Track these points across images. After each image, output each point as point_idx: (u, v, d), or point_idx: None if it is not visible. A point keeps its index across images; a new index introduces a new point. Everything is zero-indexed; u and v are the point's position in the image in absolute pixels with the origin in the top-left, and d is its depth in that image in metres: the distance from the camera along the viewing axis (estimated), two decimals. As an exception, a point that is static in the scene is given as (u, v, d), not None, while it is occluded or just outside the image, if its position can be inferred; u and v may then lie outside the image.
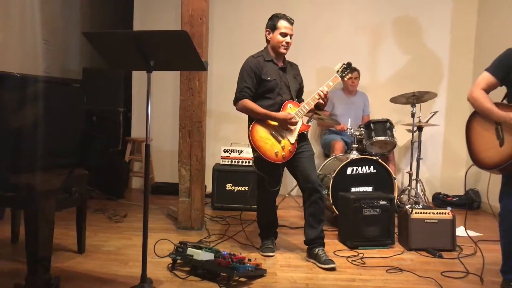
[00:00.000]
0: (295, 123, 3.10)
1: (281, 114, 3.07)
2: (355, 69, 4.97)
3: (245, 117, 3.21)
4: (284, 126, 3.08)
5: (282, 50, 3.18)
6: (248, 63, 3.17)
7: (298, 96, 3.32)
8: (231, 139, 5.01)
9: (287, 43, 3.16)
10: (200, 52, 2.47)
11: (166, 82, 5.26)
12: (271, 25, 3.17)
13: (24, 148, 2.05)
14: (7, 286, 2.32)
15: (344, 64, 3.25)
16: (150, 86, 2.36)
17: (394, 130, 4.41)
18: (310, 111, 3.18)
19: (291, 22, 3.16)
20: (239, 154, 4.66)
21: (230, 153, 4.67)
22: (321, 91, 3.12)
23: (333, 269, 2.91)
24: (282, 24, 3.13)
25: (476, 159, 2.63)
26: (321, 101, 3.14)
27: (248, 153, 4.62)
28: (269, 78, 3.14)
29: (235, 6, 5.48)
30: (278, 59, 3.23)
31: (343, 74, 3.26)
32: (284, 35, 3.13)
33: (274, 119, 3.08)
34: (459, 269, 2.98)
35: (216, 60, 5.20)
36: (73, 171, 2.38)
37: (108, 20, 6.79)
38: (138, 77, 5.55)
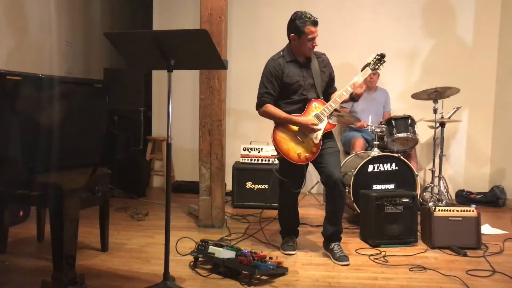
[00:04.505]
0: (317, 130, 3.03)
1: (302, 120, 3.02)
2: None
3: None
4: (306, 130, 3.04)
5: (310, 53, 3.10)
6: (268, 66, 3.10)
7: (329, 87, 3.23)
8: (251, 137, 5.02)
9: (314, 45, 3.06)
10: (219, 51, 2.47)
11: (186, 81, 5.28)
12: (296, 30, 3.00)
13: (49, 148, 2.08)
14: (34, 282, 2.38)
15: (377, 55, 3.12)
16: (171, 85, 2.38)
17: (416, 126, 4.35)
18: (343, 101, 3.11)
19: (316, 23, 2.99)
20: (259, 152, 4.66)
21: (249, 152, 4.67)
22: (352, 85, 3.04)
23: (346, 265, 2.94)
24: (310, 29, 2.97)
25: None
26: (353, 94, 3.07)
27: (267, 151, 4.62)
28: (291, 81, 3.07)
29: (254, 3, 5.47)
30: (301, 57, 3.14)
31: (376, 67, 3.12)
32: (312, 39, 3.01)
33: (295, 124, 3.03)
34: (485, 268, 2.92)
35: (235, 58, 5.20)
36: (96, 170, 2.41)
37: (128, 20, 6.86)
38: (158, 76, 5.60)
